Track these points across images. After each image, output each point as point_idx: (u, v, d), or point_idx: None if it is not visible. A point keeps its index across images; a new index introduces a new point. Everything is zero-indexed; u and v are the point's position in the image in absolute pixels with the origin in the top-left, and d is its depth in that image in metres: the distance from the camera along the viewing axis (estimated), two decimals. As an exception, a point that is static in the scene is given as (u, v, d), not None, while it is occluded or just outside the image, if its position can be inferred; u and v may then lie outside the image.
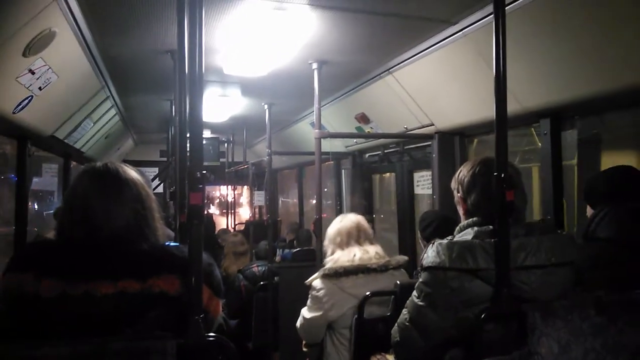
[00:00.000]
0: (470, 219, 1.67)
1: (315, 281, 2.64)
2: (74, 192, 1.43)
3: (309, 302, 2.69)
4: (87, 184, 1.42)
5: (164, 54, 3.03)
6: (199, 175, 1.31)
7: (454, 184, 1.81)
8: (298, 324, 2.76)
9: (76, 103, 3.52)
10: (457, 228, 1.70)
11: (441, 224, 2.88)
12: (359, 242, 2.70)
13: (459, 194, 1.77)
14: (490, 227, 1.57)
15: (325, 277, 2.60)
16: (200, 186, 1.31)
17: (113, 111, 4.63)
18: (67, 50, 2.61)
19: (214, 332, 1.35)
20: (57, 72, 2.67)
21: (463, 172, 1.76)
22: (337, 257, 2.68)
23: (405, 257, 2.81)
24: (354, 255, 2.64)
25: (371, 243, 2.74)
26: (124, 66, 3.37)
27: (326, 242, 2.82)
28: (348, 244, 2.70)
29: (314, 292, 2.64)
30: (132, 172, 1.49)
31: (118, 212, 1.38)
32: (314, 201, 3.95)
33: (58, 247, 1.37)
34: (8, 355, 1.15)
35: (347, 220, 2.78)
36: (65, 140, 3.93)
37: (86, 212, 1.37)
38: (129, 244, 1.36)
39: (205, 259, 1.41)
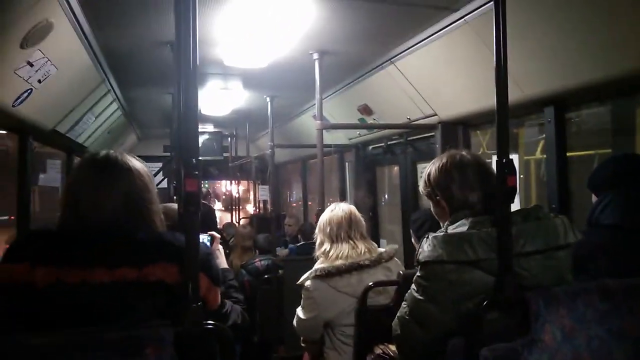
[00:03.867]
0: (461, 212, 1.63)
1: (307, 282, 2.56)
2: (71, 180, 1.43)
3: (303, 302, 2.61)
4: (82, 172, 1.42)
5: (163, 45, 3.02)
6: (194, 161, 1.29)
7: (425, 189, 1.76)
8: (295, 322, 2.69)
9: (77, 96, 3.51)
10: (447, 223, 1.65)
11: (434, 222, 2.82)
12: (348, 235, 2.60)
13: (437, 198, 1.72)
14: (486, 216, 1.54)
15: (317, 278, 2.52)
16: (196, 173, 1.29)
17: (115, 105, 4.62)
18: (65, 42, 2.59)
19: (225, 327, 1.34)
20: (56, 64, 2.65)
21: (432, 174, 1.72)
22: (326, 251, 2.59)
23: (395, 246, 2.74)
24: (342, 253, 2.55)
25: (362, 237, 2.65)
26: (124, 59, 3.36)
27: (317, 231, 2.73)
28: (337, 236, 2.60)
29: (306, 294, 2.57)
30: (133, 161, 1.47)
31: (106, 202, 1.36)
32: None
33: (53, 235, 1.36)
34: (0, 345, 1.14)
35: (339, 209, 2.68)
36: (68, 135, 3.92)
37: (77, 200, 1.36)
38: (124, 232, 1.34)
39: (203, 248, 1.40)
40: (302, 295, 2.61)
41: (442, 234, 1.54)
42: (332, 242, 2.61)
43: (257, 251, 5.05)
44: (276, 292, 4.12)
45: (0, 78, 2.37)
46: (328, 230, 2.63)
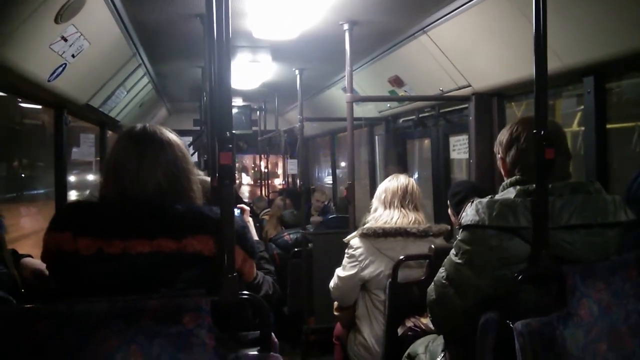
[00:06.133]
0: (513, 178, 1.64)
1: (353, 240, 2.68)
2: (111, 153, 1.46)
3: (344, 260, 2.72)
4: (122, 145, 1.45)
5: (193, 18, 3.01)
6: (228, 134, 1.30)
7: (495, 148, 1.80)
8: (332, 284, 2.79)
9: (109, 71, 3.55)
10: (501, 187, 1.67)
11: (469, 193, 2.83)
12: (402, 205, 2.71)
13: (499, 155, 1.76)
14: (533, 185, 1.52)
15: (363, 236, 2.63)
16: (230, 146, 1.30)
17: (146, 79, 4.66)
18: (97, 16, 2.61)
19: (260, 298, 1.36)
20: (89, 39, 2.68)
21: (503, 134, 1.75)
22: (378, 216, 2.71)
23: (447, 227, 2.79)
24: (392, 219, 2.66)
25: (416, 209, 2.74)
26: (154, 32, 3.37)
27: (373, 199, 2.85)
28: (391, 204, 2.71)
29: (350, 251, 2.68)
30: (169, 134, 1.50)
31: (149, 174, 1.40)
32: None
33: (94, 206, 1.40)
34: (45, 312, 1.18)
35: (396, 181, 2.78)
36: (100, 109, 3.98)
37: (117, 173, 1.40)
38: (163, 205, 1.37)
39: (238, 221, 1.42)
40: (345, 254, 2.72)
41: (487, 199, 1.53)
42: (384, 208, 2.73)
43: (283, 227, 5.10)
44: (305, 264, 4.17)
45: (36, 53, 2.40)
46: (383, 197, 2.75)
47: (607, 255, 1.52)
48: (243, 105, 7.31)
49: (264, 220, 6.12)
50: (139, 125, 1.48)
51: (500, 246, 1.48)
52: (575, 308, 1.41)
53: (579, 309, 1.42)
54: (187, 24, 3.15)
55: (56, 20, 2.28)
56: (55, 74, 2.69)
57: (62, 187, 3.48)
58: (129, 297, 1.23)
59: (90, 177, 5.46)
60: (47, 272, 1.65)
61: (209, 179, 2.09)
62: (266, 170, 8.53)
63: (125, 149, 1.42)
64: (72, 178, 4.57)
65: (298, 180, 6.76)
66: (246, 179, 14.79)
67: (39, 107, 3.73)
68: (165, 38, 3.56)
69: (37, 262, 1.80)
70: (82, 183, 5.35)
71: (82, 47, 2.69)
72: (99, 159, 4.66)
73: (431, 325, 2.17)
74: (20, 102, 3.84)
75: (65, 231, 1.30)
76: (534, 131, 1.47)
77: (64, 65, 2.69)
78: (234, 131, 1.32)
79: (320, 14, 2.99)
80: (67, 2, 2.22)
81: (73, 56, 2.69)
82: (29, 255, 1.88)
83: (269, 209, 6.48)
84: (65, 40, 2.50)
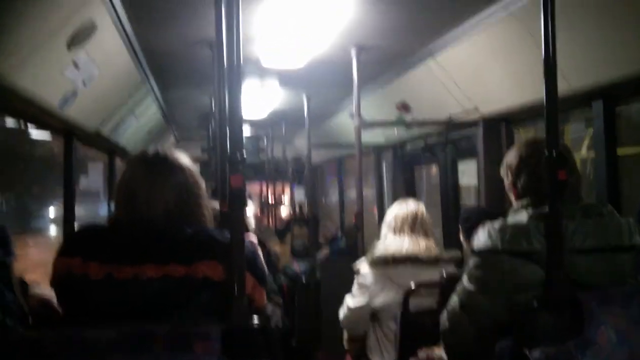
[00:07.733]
0: (524, 200, 1.61)
1: (363, 268, 2.63)
2: (122, 177, 1.46)
3: (353, 289, 2.66)
4: (134, 169, 1.44)
5: (202, 45, 3.05)
6: (238, 157, 1.29)
7: (503, 171, 1.77)
8: (341, 314, 2.72)
9: (119, 98, 3.58)
10: (511, 210, 1.64)
11: (481, 219, 2.79)
12: (412, 231, 2.63)
13: (508, 180, 1.72)
14: (546, 208, 1.50)
15: (372, 264, 2.58)
16: (241, 168, 1.29)
17: (155, 106, 4.70)
18: (108, 43, 2.65)
19: (270, 325, 1.34)
20: (100, 66, 2.71)
21: (510, 157, 1.72)
22: (388, 243, 2.64)
23: (459, 253, 2.74)
24: (402, 246, 2.59)
25: (426, 235, 2.67)
26: (163, 59, 3.42)
27: (382, 226, 2.79)
28: (401, 230, 2.64)
29: (360, 279, 2.62)
30: (182, 159, 1.49)
31: (159, 197, 1.39)
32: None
33: (103, 231, 1.39)
34: (54, 338, 1.16)
35: (405, 206, 2.73)
36: (110, 136, 4.01)
37: (129, 197, 1.39)
38: (173, 229, 1.35)
39: (249, 247, 1.40)
40: (355, 281, 2.66)
41: (499, 222, 1.50)
42: (394, 234, 2.66)
43: (293, 256, 5.07)
44: (314, 295, 4.11)
45: (47, 79, 2.43)
46: (393, 224, 2.68)
47: (623, 279, 1.49)
48: (251, 137, 7.41)
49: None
50: (151, 150, 1.48)
51: (514, 271, 1.45)
52: (593, 335, 1.37)
53: (597, 336, 1.38)
54: (195, 50, 3.19)
55: (68, 47, 2.31)
56: (66, 101, 2.71)
57: (70, 215, 3.48)
58: (139, 324, 1.21)
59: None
60: (54, 302, 1.63)
61: (217, 204, 2.07)
62: (273, 199, 8.45)
63: (136, 173, 1.42)
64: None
65: (304, 208, 6.75)
66: (251, 209, 14.71)
67: (49, 139, 3.77)
68: (174, 65, 3.61)
69: (44, 292, 1.79)
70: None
71: (93, 73, 2.72)
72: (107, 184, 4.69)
73: (444, 356, 2.12)
74: (31, 132, 3.89)
75: (75, 257, 1.29)
76: (546, 152, 1.45)
77: (74, 92, 2.71)
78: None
79: (329, 39, 3.03)
80: (79, 29, 2.26)
81: (84, 83, 2.71)
82: (37, 284, 1.87)
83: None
84: (77, 66, 2.52)
